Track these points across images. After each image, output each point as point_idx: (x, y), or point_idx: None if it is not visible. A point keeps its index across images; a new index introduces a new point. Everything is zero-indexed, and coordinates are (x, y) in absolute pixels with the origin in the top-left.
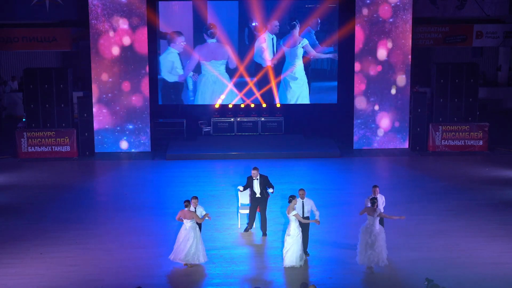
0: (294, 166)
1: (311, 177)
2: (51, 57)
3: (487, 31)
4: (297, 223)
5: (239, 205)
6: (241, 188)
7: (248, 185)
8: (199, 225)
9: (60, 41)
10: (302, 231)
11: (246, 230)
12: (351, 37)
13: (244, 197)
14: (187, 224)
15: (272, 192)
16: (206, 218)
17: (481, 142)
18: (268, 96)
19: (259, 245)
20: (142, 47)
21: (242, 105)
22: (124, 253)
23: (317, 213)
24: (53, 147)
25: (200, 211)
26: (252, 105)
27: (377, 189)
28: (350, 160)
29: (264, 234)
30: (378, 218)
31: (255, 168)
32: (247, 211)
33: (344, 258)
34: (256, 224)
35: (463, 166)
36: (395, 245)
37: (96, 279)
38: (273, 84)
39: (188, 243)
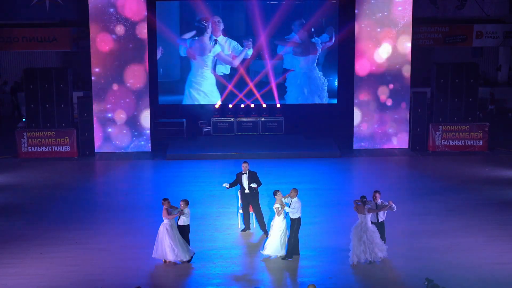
0: (294, 166)
1: (311, 177)
2: (51, 57)
3: (487, 31)
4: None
5: (239, 205)
6: (227, 185)
7: (237, 181)
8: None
9: (60, 41)
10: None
11: (244, 230)
12: (351, 37)
13: None
14: (170, 223)
15: (255, 188)
16: (177, 214)
17: (481, 142)
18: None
19: (259, 245)
20: (142, 47)
21: (242, 105)
22: (124, 253)
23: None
24: (53, 147)
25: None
26: (252, 105)
27: (377, 194)
28: (350, 160)
29: (266, 233)
30: (369, 216)
31: (245, 162)
32: None
33: (344, 258)
34: (257, 224)
35: (463, 166)
36: (395, 245)
37: (96, 279)
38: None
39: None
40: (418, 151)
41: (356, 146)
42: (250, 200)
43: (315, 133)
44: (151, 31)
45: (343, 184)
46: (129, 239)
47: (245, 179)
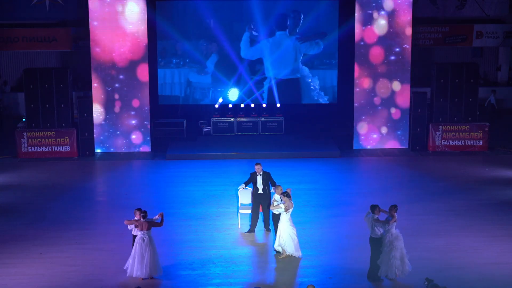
0: (294, 166)
1: (311, 177)
2: (51, 57)
3: (487, 31)
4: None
5: (239, 205)
6: (242, 185)
7: (251, 180)
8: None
9: (60, 41)
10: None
11: (250, 231)
12: (351, 36)
13: (244, 197)
14: (146, 236)
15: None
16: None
17: (481, 142)
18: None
19: (259, 245)
20: (142, 47)
21: (242, 105)
22: (124, 253)
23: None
24: (53, 147)
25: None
26: (252, 105)
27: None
28: (350, 160)
29: (268, 229)
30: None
31: (258, 164)
32: (247, 211)
33: (345, 258)
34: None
35: (463, 166)
36: None
37: (96, 279)
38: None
39: (154, 256)
40: (418, 151)
41: (356, 146)
42: (262, 201)
43: (315, 133)
44: (151, 30)
45: (343, 184)
46: (129, 239)
47: (259, 180)
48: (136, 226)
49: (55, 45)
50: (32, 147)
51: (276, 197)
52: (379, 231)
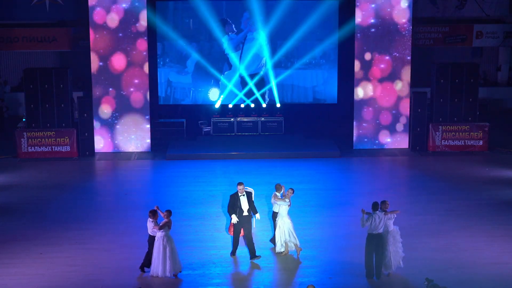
0: (294, 166)
1: (311, 177)
2: (51, 57)
3: (487, 31)
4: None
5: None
6: (234, 219)
7: (234, 203)
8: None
9: (60, 41)
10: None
11: (233, 254)
12: (351, 36)
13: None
14: (168, 234)
15: (258, 218)
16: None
17: (481, 142)
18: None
19: (259, 245)
20: (142, 47)
21: (242, 105)
22: (124, 253)
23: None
24: (53, 147)
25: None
26: (252, 105)
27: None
28: (350, 160)
29: (254, 256)
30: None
31: (240, 183)
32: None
33: (344, 258)
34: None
35: (463, 166)
36: None
37: (96, 279)
38: (273, 84)
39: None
40: (418, 151)
41: (356, 146)
42: (245, 223)
43: (315, 133)
44: (151, 30)
45: (343, 184)
46: (129, 239)
47: (244, 201)
48: (168, 226)
49: (55, 45)
50: (32, 147)
51: (278, 194)
52: (388, 225)
